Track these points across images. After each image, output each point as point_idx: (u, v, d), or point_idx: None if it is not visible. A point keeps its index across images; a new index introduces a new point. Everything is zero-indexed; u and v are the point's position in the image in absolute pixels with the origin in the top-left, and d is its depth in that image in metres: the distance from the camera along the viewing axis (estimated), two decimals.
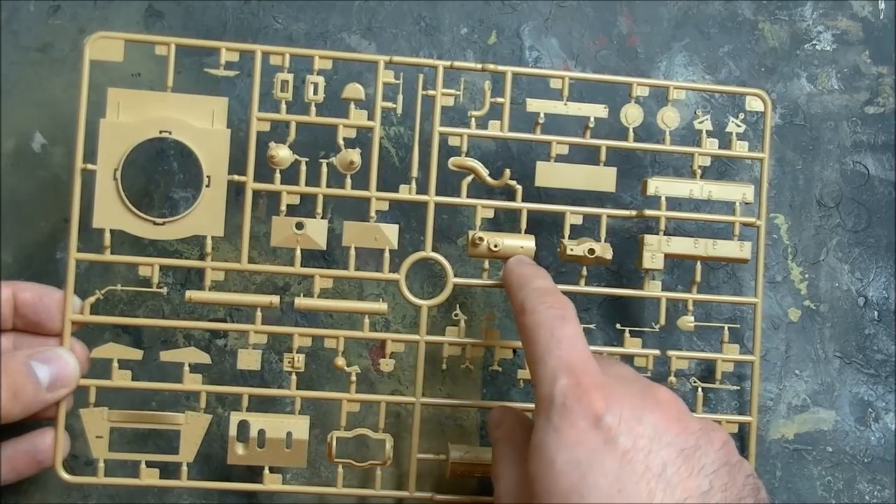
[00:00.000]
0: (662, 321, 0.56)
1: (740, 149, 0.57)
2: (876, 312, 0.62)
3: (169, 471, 0.54)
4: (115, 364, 0.53)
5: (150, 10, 0.59)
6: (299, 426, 0.54)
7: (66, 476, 0.52)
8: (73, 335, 0.53)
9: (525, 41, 0.61)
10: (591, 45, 0.61)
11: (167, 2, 0.59)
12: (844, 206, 0.62)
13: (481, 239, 0.54)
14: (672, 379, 0.56)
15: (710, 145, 0.56)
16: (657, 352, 0.56)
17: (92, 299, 0.53)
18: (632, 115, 0.56)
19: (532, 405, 0.54)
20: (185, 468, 0.54)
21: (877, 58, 0.63)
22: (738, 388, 0.58)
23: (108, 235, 0.52)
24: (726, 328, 0.57)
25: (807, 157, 0.62)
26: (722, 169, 0.61)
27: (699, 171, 0.56)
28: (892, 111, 0.63)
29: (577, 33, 0.62)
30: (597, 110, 0.55)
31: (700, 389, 0.56)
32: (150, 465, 0.53)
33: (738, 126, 0.57)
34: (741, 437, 0.57)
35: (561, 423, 0.42)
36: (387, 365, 0.55)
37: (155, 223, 0.53)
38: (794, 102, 0.62)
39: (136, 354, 0.53)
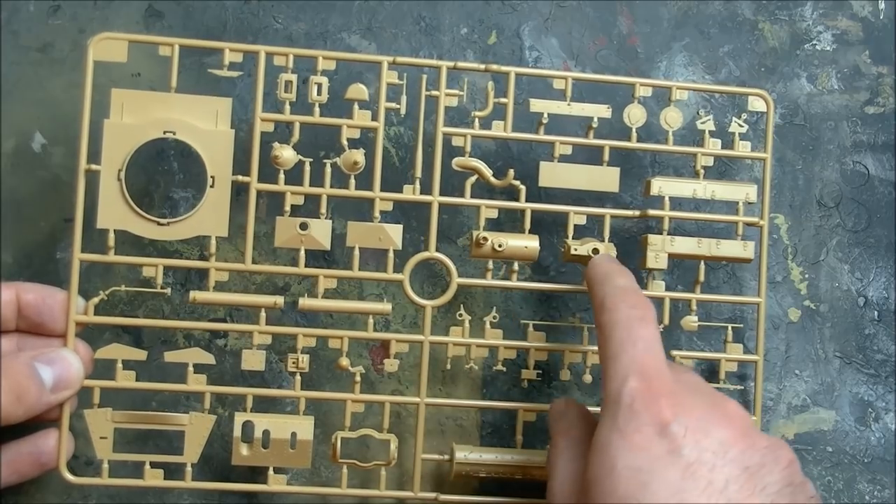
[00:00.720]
0: (666, 321, 0.57)
1: (743, 149, 0.58)
2: (876, 312, 0.63)
3: (171, 471, 0.54)
4: (119, 365, 0.54)
5: (150, 10, 0.60)
6: (304, 427, 0.55)
7: (69, 477, 0.53)
8: (76, 335, 0.54)
9: (525, 41, 0.62)
10: (591, 45, 0.62)
11: (167, 2, 0.60)
12: (844, 206, 0.63)
13: (485, 239, 0.55)
14: None
15: (713, 145, 0.58)
16: None
17: (96, 300, 0.54)
18: (635, 115, 0.57)
19: (539, 405, 0.57)
20: (189, 469, 0.54)
21: (877, 58, 0.64)
22: (742, 387, 0.59)
23: (112, 236, 0.53)
24: (730, 328, 0.58)
25: (807, 157, 0.63)
26: (722, 169, 0.61)
27: (702, 172, 0.57)
28: (892, 111, 0.64)
29: (577, 33, 0.62)
30: (600, 110, 0.56)
31: None
32: (153, 465, 0.54)
33: (741, 126, 0.58)
34: None
35: (626, 426, 0.43)
36: (391, 365, 0.55)
37: (159, 223, 0.53)
38: (794, 102, 0.63)
39: (141, 355, 0.54)
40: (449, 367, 0.56)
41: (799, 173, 0.63)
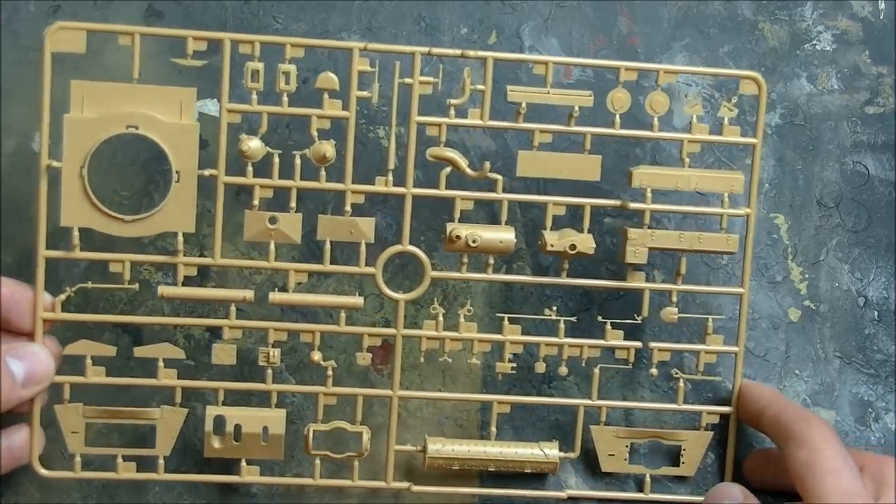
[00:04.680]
0: (645, 312, 0.61)
1: (732, 134, 0.61)
2: (876, 312, 0.67)
3: (145, 464, 0.60)
4: (89, 360, 0.58)
5: (150, 10, 0.62)
6: (276, 420, 0.60)
7: (42, 471, 0.58)
8: (51, 333, 0.58)
9: (525, 41, 0.64)
10: (591, 45, 0.64)
11: (167, 2, 0.62)
12: (844, 206, 0.66)
13: (458, 237, 0.58)
14: (653, 371, 0.62)
15: (701, 131, 0.60)
16: (639, 343, 0.61)
17: (62, 297, 0.58)
18: (618, 100, 0.59)
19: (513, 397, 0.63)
20: (161, 461, 0.59)
21: (877, 58, 0.67)
22: (720, 378, 0.64)
23: (76, 234, 0.57)
24: (710, 319, 0.62)
25: (807, 157, 0.65)
26: (713, 161, 0.65)
27: (687, 160, 0.60)
28: (892, 111, 0.67)
29: (577, 33, 0.65)
30: (581, 98, 0.59)
31: (682, 381, 0.62)
32: (126, 458, 0.60)
33: (731, 110, 0.60)
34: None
35: None
36: (363, 359, 0.60)
37: (123, 220, 0.57)
38: (794, 102, 0.66)
39: (109, 350, 0.58)
40: (450, 360, 0.61)
41: (799, 173, 0.66)
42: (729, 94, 0.64)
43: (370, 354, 0.61)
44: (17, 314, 0.58)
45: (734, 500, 0.60)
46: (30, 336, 0.58)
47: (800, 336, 0.66)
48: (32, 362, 0.57)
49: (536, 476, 0.64)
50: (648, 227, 0.61)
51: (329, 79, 0.58)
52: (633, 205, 0.61)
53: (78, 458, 0.60)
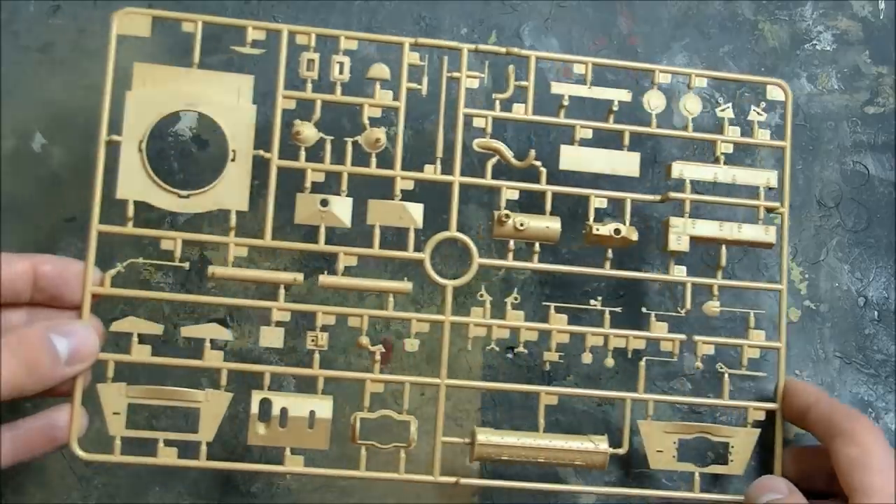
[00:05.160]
0: (689, 305, 0.62)
1: (762, 137, 0.64)
2: (876, 312, 0.68)
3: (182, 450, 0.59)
4: (135, 338, 0.58)
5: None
6: (323, 405, 0.59)
7: (81, 454, 0.56)
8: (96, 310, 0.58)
9: (525, 41, 0.67)
10: (591, 45, 0.68)
11: (167, 1, 0.65)
12: (844, 206, 0.69)
13: (507, 216, 0.60)
14: (698, 364, 0.62)
15: (733, 133, 0.63)
16: (683, 336, 0.62)
17: (113, 272, 0.58)
18: (654, 101, 0.63)
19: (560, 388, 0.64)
20: (204, 447, 0.58)
21: (877, 58, 0.71)
22: (765, 374, 0.64)
23: (131, 207, 0.58)
24: (752, 314, 0.63)
25: (807, 157, 0.68)
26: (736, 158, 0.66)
27: (722, 158, 0.63)
28: (892, 111, 0.70)
29: (577, 33, 0.68)
30: (620, 94, 0.62)
31: (727, 376, 0.63)
32: (167, 443, 0.58)
33: (760, 115, 0.63)
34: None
35: None
36: (411, 345, 0.60)
37: (179, 196, 0.58)
38: (794, 102, 0.67)
39: (157, 329, 0.58)
40: (469, 347, 0.61)
41: (799, 173, 0.68)
42: (728, 96, 0.67)
43: (418, 341, 0.61)
44: (67, 290, 0.58)
45: (779, 494, 0.60)
46: (77, 310, 0.58)
47: (800, 336, 0.67)
48: (77, 339, 0.56)
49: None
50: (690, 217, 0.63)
51: (381, 69, 0.61)
52: (673, 195, 0.63)
53: (118, 441, 0.58)
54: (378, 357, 0.61)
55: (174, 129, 0.64)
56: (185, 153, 0.64)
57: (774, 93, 0.65)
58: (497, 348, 0.62)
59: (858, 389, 0.68)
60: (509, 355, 0.66)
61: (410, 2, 0.68)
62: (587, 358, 0.62)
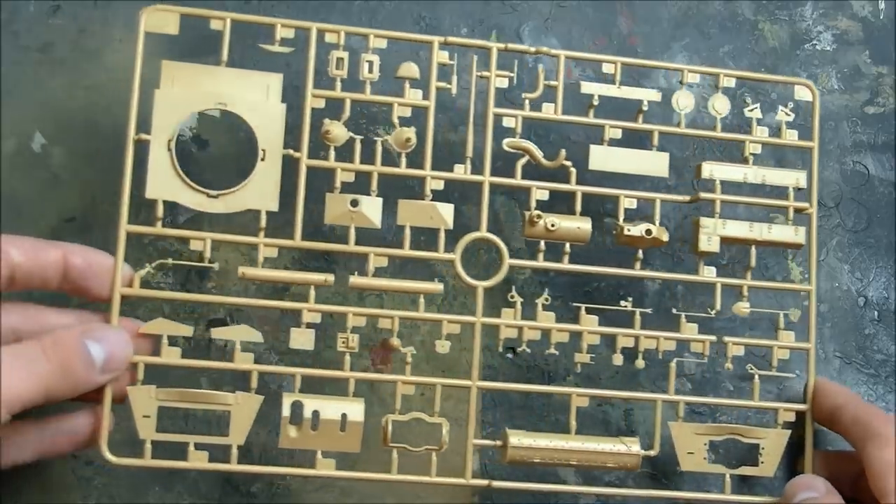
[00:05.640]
0: (718, 306, 0.62)
1: (790, 137, 0.64)
2: (876, 312, 0.69)
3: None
4: (165, 340, 0.57)
5: None
6: (354, 408, 0.59)
7: (111, 458, 0.55)
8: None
9: (525, 41, 0.67)
10: (592, 45, 0.68)
11: (167, 2, 0.64)
12: (844, 206, 0.69)
13: (539, 217, 0.60)
14: (728, 365, 0.62)
15: (761, 133, 0.64)
16: (713, 337, 0.62)
17: (142, 272, 0.57)
18: (683, 101, 0.63)
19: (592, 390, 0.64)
20: (234, 451, 0.57)
21: (877, 58, 0.71)
22: (796, 375, 0.64)
23: (160, 206, 0.57)
24: (782, 315, 0.63)
25: (807, 157, 0.66)
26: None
27: (751, 158, 0.63)
28: (892, 111, 0.70)
29: (577, 33, 0.68)
30: (650, 94, 0.63)
31: (757, 377, 0.63)
32: (198, 447, 0.58)
33: (788, 115, 0.64)
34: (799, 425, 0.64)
35: None
36: (442, 347, 0.60)
37: (208, 195, 0.58)
38: (794, 102, 0.67)
39: (187, 331, 0.58)
40: (500, 349, 0.61)
41: None
42: (727, 94, 0.66)
43: (449, 343, 0.61)
44: (95, 283, 0.57)
45: (816, 493, 0.60)
46: (104, 309, 0.57)
47: (800, 336, 0.66)
48: (112, 346, 0.55)
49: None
50: (720, 217, 0.63)
51: (410, 68, 0.61)
52: (704, 195, 0.63)
53: (148, 445, 0.58)
54: (409, 359, 0.60)
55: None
56: (184, 154, 0.63)
57: (801, 92, 0.66)
58: (556, 352, 0.62)
59: (858, 389, 0.68)
60: (509, 355, 0.65)
61: (410, 2, 0.68)
62: (618, 360, 0.62)
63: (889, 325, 0.69)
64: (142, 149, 0.58)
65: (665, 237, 0.62)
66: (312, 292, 0.60)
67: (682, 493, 0.64)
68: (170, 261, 0.60)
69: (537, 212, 0.61)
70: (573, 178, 0.63)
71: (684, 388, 0.67)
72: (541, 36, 0.68)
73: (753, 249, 0.64)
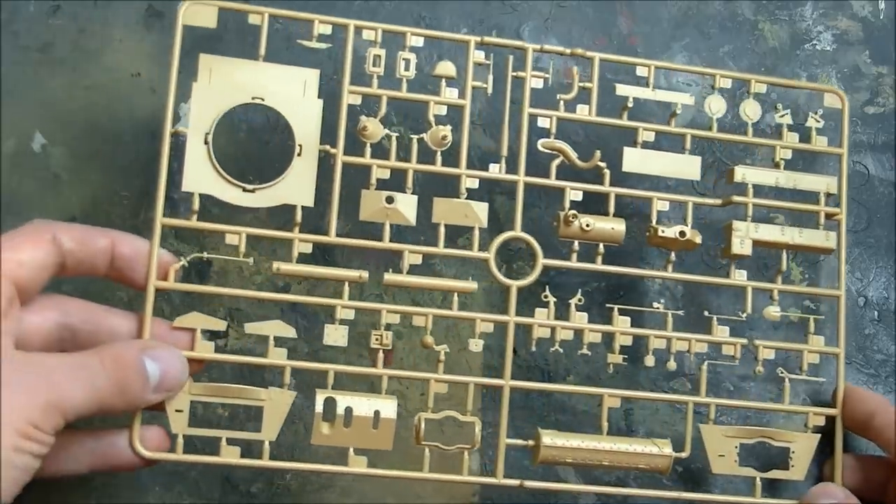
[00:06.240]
0: (749, 310, 0.62)
1: (820, 144, 0.65)
2: (876, 312, 0.69)
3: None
4: (199, 334, 0.57)
5: (151, 10, 0.65)
6: (387, 406, 0.59)
7: (144, 452, 0.55)
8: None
9: (525, 41, 0.66)
10: (592, 45, 0.68)
11: (167, 2, 0.65)
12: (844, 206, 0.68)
13: (574, 216, 0.60)
14: (759, 368, 0.63)
15: (791, 139, 0.64)
16: (744, 340, 0.62)
17: (177, 266, 0.57)
18: (716, 105, 0.63)
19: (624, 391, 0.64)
20: (267, 446, 0.57)
21: (877, 58, 0.72)
22: (824, 380, 0.65)
23: (196, 199, 0.57)
24: (812, 319, 0.64)
25: (807, 157, 0.67)
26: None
27: (782, 163, 0.64)
28: (892, 111, 0.71)
29: (577, 33, 0.69)
30: (683, 98, 0.63)
31: (787, 380, 0.63)
32: (230, 442, 0.57)
33: (818, 122, 0.64)
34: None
35: None
36: (476, 345, 0.60)
37: (245, 189, 0.58)
38: (794, 102, 0.69)
39: (220, 325, 0.57)
40: (534, 348, 0.61)
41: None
42: (728, 92, 0.66)
43: (482, 341, 0.61)
44: (138, 273, 0.58)
45: (835, 500, 0.61)
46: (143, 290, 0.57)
47: (800, 336, 0.66)
48: (168, 366, 0.56)
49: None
50: (752, 221, 0.63)
51: (447, 67, 0.61)
52: (736, 198, 0.63)
53: (181, 440, 0.57)
54: (442, 357, 0.61)
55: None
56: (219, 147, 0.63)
57: (832, 99, 0.66)
58: (588, 352, 0.62)
59: None
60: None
61: (410, 1, 0.68)
62: (650, 360, 0.62)
63: (889, 325, 0.70)
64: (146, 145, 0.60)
65: (698, 239, 0.62)
66: (346, 288, 0.60)
67: (713, 495, 0.64)
68: (205, 254, 0.60)
69: (573, 211, 0.61)
70: (607, 179, 0.63)
71: (685, 389, 0.67)
72: (541, 36, 0.69)
73: (784, 253, 0.64)
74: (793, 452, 0.63)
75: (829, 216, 0.65)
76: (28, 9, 0.65)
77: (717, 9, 0.71)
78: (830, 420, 0.65)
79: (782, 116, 0.65)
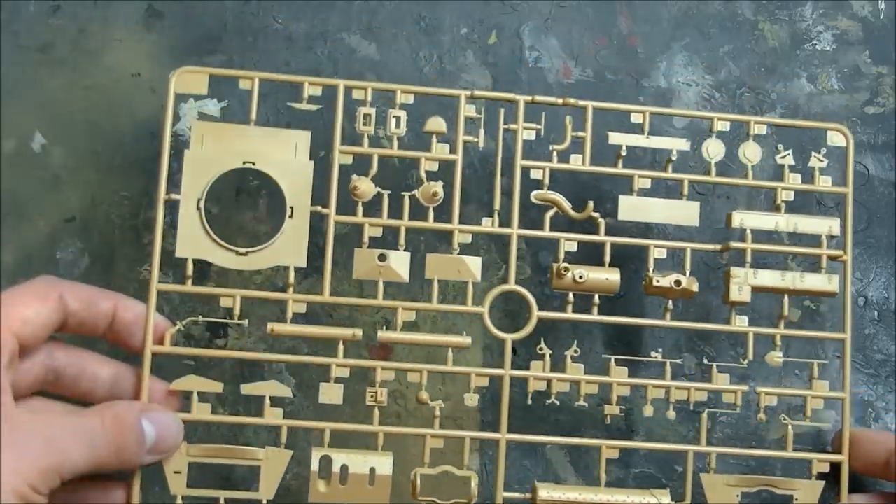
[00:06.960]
0: (750, 356, 0.62)
1: (823, 184, 0.64)
2: (876, 312, 0.68)
3: None
4: (195, 397, 0.59)
5: (151, 10, 0.66)
6: (382, 462, 0.59)
7: None
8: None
9: (525, 41, 0.68)
10: (592, 45, 0.69)
11: (167, 1, 0.66)
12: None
13: (567, 269, 0.61)
14: (762, 416, 0.62)
15: (793, 180, 0.63)
16: (745, 388, 0.62)
17: (173, 330, 0.59)
18: (714, 149, 0.63)
19: (621, 442, 0.64)
20: None
21: (877, 58, 0.71)
22: (829, 425, 0.64)
23: (190, 265, 0.59)
24: (815, 364, 0.63)
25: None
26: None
27: (783, 206, 0.63)
28: (892, 111, 0.70)
29: (577, 33, 0.69)
30: (678, 143, 0.63)
31: (790, 427, 0.63)
32: (228, 502, 0.59)
33: (821, 161, 0.63)
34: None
35: None
36: (471, 400, 0.60)
37: (238, 253, 0.59)
38: (794, 102, 0.69)
39: (216, 387, 0.59)
40: (530, 402, 0.61)
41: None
42: (728, 92, 0.67)
43: (477, 395, 0.61)
44: (136, 339, 0.59)
45: None
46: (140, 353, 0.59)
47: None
48: (164, 430, 0.57)
49: None
50: (751, 267, 0.63)
51: (438, 122, 0.62)
52: (734, 244, 0.63)
53: (179, 500, 0.59)
54: (437, 412, 0.61)
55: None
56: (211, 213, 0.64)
57: (835, 138, 0.65)
58: (585, 404, 0.63)
59: (858, 389, 0.68)
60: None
61: (410, 2, 0.69)
62: (648, 411, 0.62)
63: (889, 325, 0.69)
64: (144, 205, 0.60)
65: (695, 287, 0.62)
66: (341, 347, 0.61)
67: None
68: (199, 318, 0.61)
69: (565, 264, 0.61)
70: (602, 229, 0.63)
71: (689, 435, 0.67)
72: (541, 36, 0.69)
73: (786, 298, 0.63)
74: (796, 500, 0.62)
75: (832, 258, 0.64)
76: (28, 9, 0.66)
77: (717, 9, 0.71)
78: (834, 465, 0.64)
79: (784, 157, 0.64)
